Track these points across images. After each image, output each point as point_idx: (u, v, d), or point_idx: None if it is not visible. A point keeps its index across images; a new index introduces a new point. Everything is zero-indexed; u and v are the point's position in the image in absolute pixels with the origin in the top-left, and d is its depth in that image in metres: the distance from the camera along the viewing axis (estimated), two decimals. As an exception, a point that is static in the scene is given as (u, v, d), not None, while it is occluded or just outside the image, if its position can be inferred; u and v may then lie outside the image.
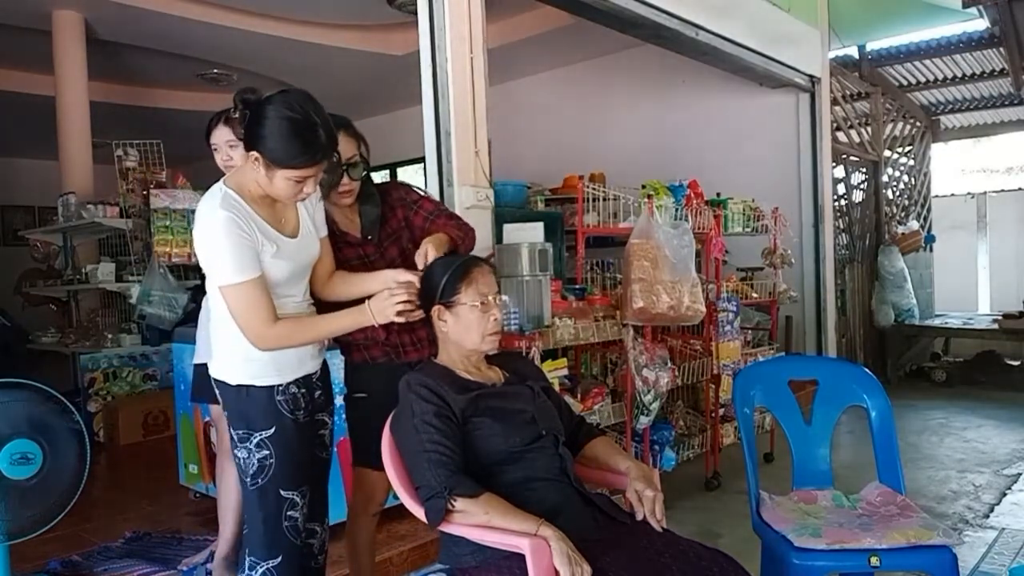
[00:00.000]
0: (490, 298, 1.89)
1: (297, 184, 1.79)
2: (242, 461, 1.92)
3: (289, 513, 1.93)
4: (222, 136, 2.78)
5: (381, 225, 2.21)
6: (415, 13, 3.37)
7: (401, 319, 1.88)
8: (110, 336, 5.30)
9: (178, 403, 3.69)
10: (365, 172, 2.18)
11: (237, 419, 1.92)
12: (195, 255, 1.88)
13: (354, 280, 2.06)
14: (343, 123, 2.12)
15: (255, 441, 1.90)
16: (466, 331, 1.87)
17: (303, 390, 1.96)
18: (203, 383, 2.86)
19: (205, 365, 2.79)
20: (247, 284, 1.78)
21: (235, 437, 1.93)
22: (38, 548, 2.82)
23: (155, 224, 4.62)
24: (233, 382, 1.91)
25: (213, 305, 1.91)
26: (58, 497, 2.30)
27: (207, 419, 3.29)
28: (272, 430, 1.90)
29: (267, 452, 1.90)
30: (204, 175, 4.27)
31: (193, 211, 4.58)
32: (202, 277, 2.05)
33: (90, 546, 3.18)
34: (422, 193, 2.31)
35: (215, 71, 7.24)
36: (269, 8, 5.92)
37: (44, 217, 8.74)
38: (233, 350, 1.90)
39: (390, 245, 2.22)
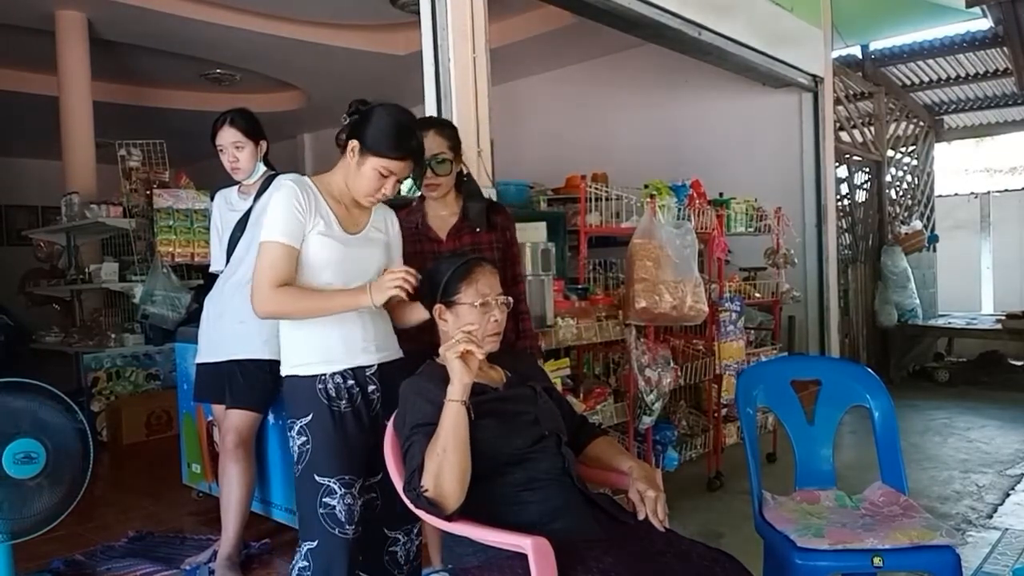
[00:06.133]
0: (491, 299, 1.89)
1: (381, 178, 1.96)
2: (291, 449, 2.04)
3: (325, 500, 1.97)
4: (228, 137, 2.79)
5: (468, 232, 2.40)
6: (418, 13, 3.37)
7: (399, 293, 1.90)
8: (113, 336, 5.31)
9: (181, 403, 3.69)
10: (466, 175, 2.45)
11: (287, 408, 2.07)
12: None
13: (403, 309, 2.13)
14: (437, 123, 2.39)
15: (296, 428, 2.02)
16: None
17: (351, 382, 2.02)
18: (206, 383, 2.88)
19: (208, 364, 2.82)
20: (276, 245, 1.92)
21: (286, 429, 2.06)
22: (41, 547, 2.83)
23: (158, 224, 4.64)
24: (284, 373, 2.06)
25: None
26: (61, 496, 2.31)
27: (210, 418, 3.30)
28: (310, 417, 1.99)
29: (305, 438, 2.00)
30: (207, 175, 4.30)
31: (196, 211, 4.66)
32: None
33: (93, 545, 3.18)
34: (517, 238, 2.57)
35: (218, 71, 7.25)
36: (272, 8, 5.92)
37: (47, 217, 8.75)
38: (287, 343, 2.05)
39: (469, 252, 2.31)
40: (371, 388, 2.06)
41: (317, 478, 1.98)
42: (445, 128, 2.39)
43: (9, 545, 2.31)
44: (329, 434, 1.99)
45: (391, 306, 2.07)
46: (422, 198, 2.46)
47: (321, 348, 2.00)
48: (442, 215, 2.43)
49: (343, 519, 1.98)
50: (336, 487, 1.98)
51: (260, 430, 2.87)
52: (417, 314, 2.07)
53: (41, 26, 5.60)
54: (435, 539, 2.41)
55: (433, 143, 2.30)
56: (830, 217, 6.23)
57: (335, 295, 1.98)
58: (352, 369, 2.02)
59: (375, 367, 2.07)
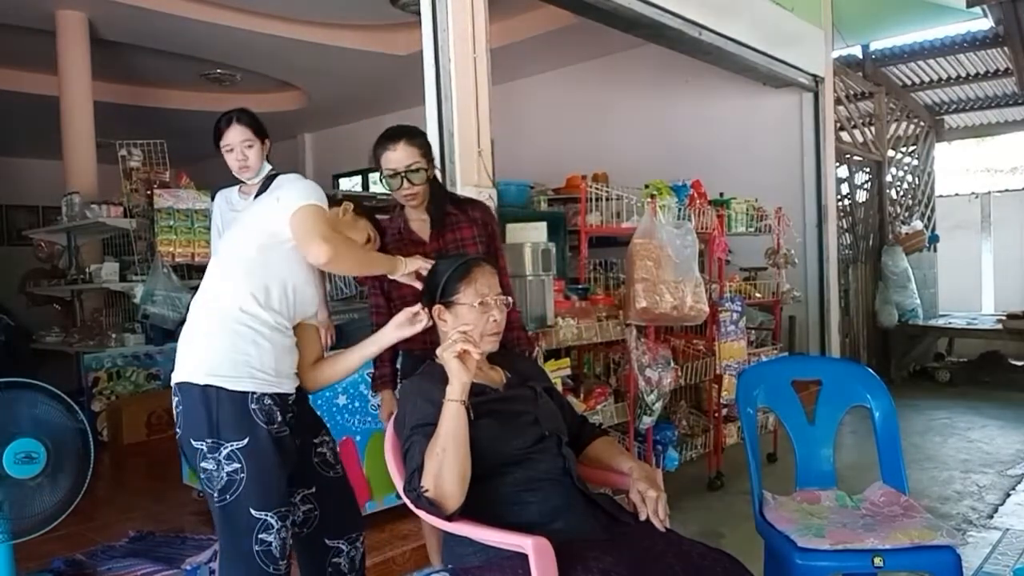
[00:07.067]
0: (490, 299, 1.89)
1: (367, 241, 2.15)
2: (209, 475, 1.79)
3: (262, 536, 1.80)
4: (237, 136, 2.74)
5: (450, 230, 2.41)
6: (418, 13, 3.38)
7: (422, 270, 2.04)
8: (114, 336, 5.31)
9: (181, 403, 3.69)
10: (434, 179, 2.43)
11: (202, 427, 1.79)
12: (198, 254, 1.92)
13: (347, 353, 2.08)
14: (406, 132, 2.33)
15: (224, 452, 1.78)
16: None
17: (278, 407, 1.87)
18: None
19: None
20: (317, 207, 1.91)
21: (201, 449, 1.80)
22: (42, 547, 2.82)
23: (159, 224, 4.64)
24: (201, 382, 1.81)
25: (211, 297, 1.90)
26: (62, 496, 2.31)
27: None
28: (245, 441, 1.79)
29: (238, 465, 1.78)
30: (208, 175, 4.31)
31: (196, 211, 4.66)
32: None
33: (94, 545, 3.18)
34: (497, 234, 2.57)
35: (219, 71, 7.26)
36: (272, 8, 5.93)
37: (48, 217, 8.75)
38: (205, 346, 1.85)
39: (453, 251, 2.35)
40: (289, 416, 1.92)
41: (253, 513, 1.79)
42: (415, 137, 2.35)
43: (10, 545, 2.31)
44: (268, 462, 1.81)
45: (310, 361, 2.04)
46: (402, 205, 2.45)
47: (255, 365, 1.83)
48: (423, 219, 2.43)
49: (278, 555, 1.82)
50: (274, 521, 1.81)
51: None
52: (338, 369, 2.06)
53: (41, 26, 5.60)
54: (434, 539, 2.41)
55: (404, 154, 2.28)
56: (830, 217, 6.23)
57: (376, 255, 2.11)
58: (279, 395, 1.88)
59: (292, 396, 1.95)
